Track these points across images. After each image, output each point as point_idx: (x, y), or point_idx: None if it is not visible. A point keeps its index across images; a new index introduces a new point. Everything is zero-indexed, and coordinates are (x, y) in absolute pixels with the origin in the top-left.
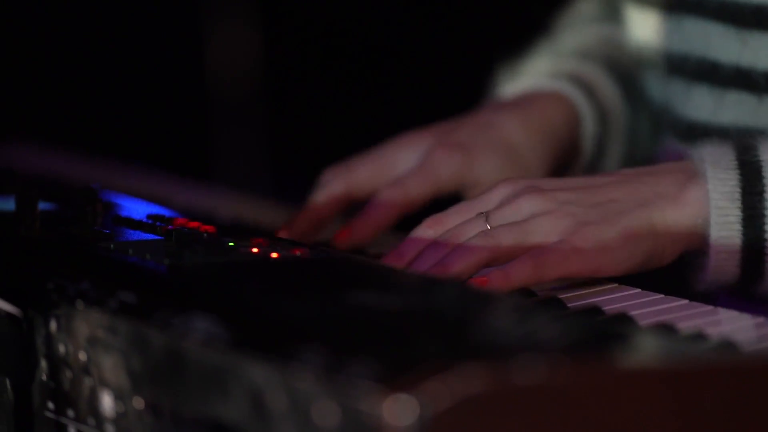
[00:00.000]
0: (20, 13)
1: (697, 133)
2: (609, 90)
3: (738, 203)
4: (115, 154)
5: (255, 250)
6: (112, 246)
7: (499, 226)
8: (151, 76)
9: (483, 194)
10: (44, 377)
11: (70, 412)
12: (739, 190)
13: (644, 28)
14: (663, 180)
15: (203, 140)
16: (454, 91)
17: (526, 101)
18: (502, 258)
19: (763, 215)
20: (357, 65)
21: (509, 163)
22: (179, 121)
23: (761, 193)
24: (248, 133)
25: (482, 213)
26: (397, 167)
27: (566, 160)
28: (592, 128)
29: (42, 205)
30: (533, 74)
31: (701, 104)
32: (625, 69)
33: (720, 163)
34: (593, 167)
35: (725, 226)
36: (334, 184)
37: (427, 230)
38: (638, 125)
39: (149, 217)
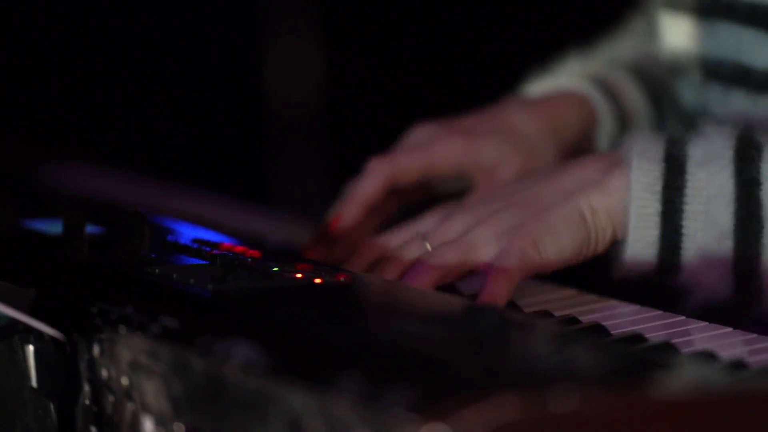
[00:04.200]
0: (81, 33)
1: None
2: (633, 96)
3: (657, 196)
4: (171, 174)
5: (299, 275)
6: (156, 270)
7: (440, 245)
8: (209, 95)
9: (418, 219)
10: (87, 401)
11: None
12: (660, 182)
13: (677, 33)
14: (587, 169)
15: (262, 161)
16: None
17: (542, 98)
18: (450, 275)
19: (681, 210)
20: (420, 84)
21: (513, 147)
22: (238, 142)
23: (681, 188)
24: (308, 155)
25: (419, 235)
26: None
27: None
28: (609, 129)
29: (89, 229)
30: (559, 74)
31: (739, 108)
32: (658, 81)
33: (645, 154)
34: None
35: (643, 217)
36: (377, 173)
37: (367, 256)
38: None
39: (195, 241)
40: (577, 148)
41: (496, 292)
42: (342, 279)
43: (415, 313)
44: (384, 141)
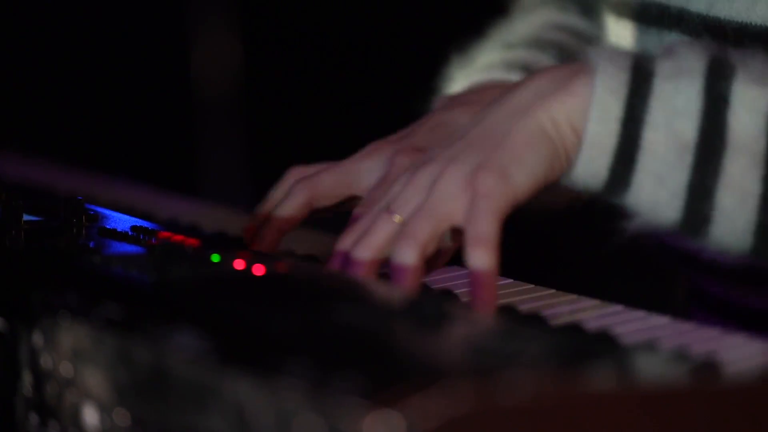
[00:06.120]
0: (6, 31)
1: None
2: None
3: (620, 102)
4: (100, 163)
5: (239, 263)
6: (96, 258)
7: (410, 219)
8: (136, 86)
9: (384, 188)
10: (28, 389)
11: (54, 425)
12: (625, 89)
13: (622, 38)
14: (541, 81)
15: (188, 146)
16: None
17: (477, 95)
18: (432, 246)
19: (642, 119)
20: (331, 72)
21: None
22: (164, 126)
23: (645, 96)
24: (230, 139)
25: (385, 208)
26: (361, 177)
27: None
28: None
29: (27, 217)
30: (484, 67)
31: None
32: (575, 56)
33: (614, 61)
34: None
35: (602, 121)
36: (299, 195)
37: (346, 238)
38: None
39: (133, 229)
40: None
41: (484, 270)
42: (283, 268)
43: (360, 303)
44: (298, 124)
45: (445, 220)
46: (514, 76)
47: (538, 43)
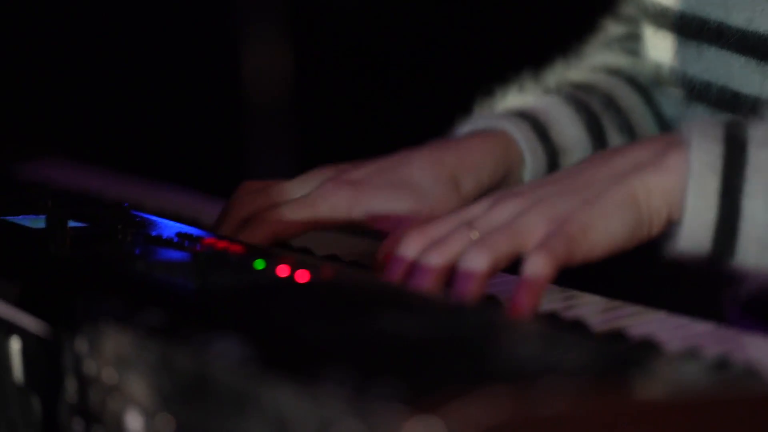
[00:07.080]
0: (62, 37)
1: None
2: (568, 129)
3: (718, 174)
4: (147, 169)
5: (283, 270)
6: (140, 265)
7: (488, 233)
8: (187, 94)
9: (464, 208)
10: (72, 395)
11: (98, 430)
12: (720, 161)
13: (660, 49)
14: (640, 151)
15: (237, 153)
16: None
17: (453, 143)
18: (502, 264)
19: (741, 189)
20: (381, 79)
21: (406, 196)
22: (213, 133)
23: (742, 166)
24: (280, 146)
25: (465, 223)
26: (292, 196)
27: None
28: (537, 166)
29: (72, 223)
30: (493, 112)
31: None
32: (601, 106)
33: (707, 134)
34: None
35: (702, 196)
36: (240, 209)
37: (412, 244)
38: None
39: (178, 235)
40: (501, 185)
41: (537, 277)
42: (327, 274)
43: (402, 310)
44: (347, 131)
45: (522, 244)
46: (504, 124)
47: (557, 89)
